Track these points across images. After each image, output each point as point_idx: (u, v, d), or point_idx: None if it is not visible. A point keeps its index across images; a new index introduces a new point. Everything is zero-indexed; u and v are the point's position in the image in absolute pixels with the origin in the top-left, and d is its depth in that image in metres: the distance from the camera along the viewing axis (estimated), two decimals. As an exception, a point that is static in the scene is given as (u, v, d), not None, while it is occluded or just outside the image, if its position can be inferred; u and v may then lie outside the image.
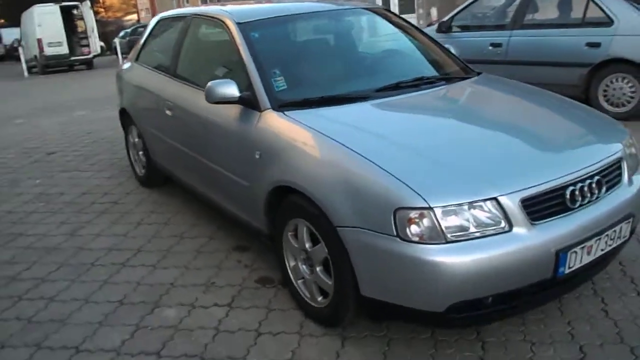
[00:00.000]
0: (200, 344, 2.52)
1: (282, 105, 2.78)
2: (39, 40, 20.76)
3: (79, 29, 22.95)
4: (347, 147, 2.33)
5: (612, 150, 2.46)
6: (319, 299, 2.56)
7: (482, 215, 2.08)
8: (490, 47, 6.58)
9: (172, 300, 2.92)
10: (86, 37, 22.22)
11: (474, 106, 3.01)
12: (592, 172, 2.29)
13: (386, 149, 2.34)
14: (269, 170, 2.66)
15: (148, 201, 4.42)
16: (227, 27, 3.24)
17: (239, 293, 2.95)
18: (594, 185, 2.29)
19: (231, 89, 2.86)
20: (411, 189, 2.08)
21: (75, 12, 22.61)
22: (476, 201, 2.08)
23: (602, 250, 2.30)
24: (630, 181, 2.49)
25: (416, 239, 2.05)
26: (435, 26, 7.23)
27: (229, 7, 3.50)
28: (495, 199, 2.09)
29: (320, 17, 3.54)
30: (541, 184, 2.16)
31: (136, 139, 4.64)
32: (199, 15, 3.69)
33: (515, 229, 2.09)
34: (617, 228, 2.32)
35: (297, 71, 3.09)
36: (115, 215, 4.18)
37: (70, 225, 4.05)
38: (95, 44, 22.62)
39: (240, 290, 2.97)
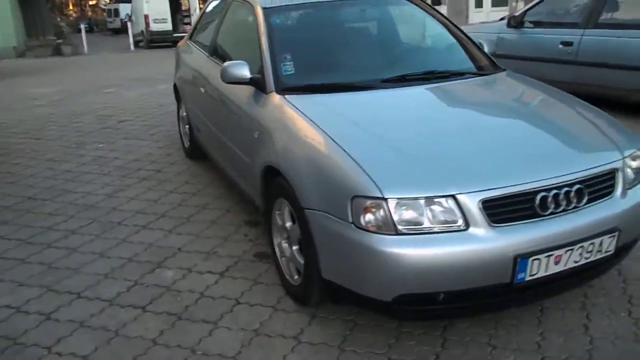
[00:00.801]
0: (182, 306, 2.72)
1: (285, 89, 2.89)
2: (146, 17, 22.20)
3: (183, 7, 24.36)
4: (323, 132, 2.41)
5: (603, 161, 2.34)
6: (295, 277, 2.66)
7: (439, 212, 2.08)
8: (561, 46, 6.24)
9: (174, 264, 3.14)
10: (189, 15, 23.52)
11: (470, 103, 2.93)
12: (571, 180, 2.20)
13: (359, 137, 2.38)
14: (263, 150, 2.78)
15: (187, 172, 4.71)
16: (255, 11, 3.39)
17: (234, 264, 3.11)
18: (572, 194, 2.20)
19: (243, 71, 3.00)
20: (370, 178, 2.12)
21: None
22: (433, 197, 2.08)
23: (575, 262, 2.21)
24: (624, 194, 2.35)
25: (369, 227, 2.09)
26: (505, 20, 6.96)
27: None
28: (453, 196, 2.08)
29: (346, 6, 3.58)
30: (505, 187, 2.12)
31: (184, 113, 4.94)
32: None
33: (471, 229, 2.07)
34: (596, 241, 2.22)
35: (308, 58, 3.17)
36: (153, 182, 4.50)
37: (113, 187, 4.42)
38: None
39: (237, 261, 3.14)
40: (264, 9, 3.33)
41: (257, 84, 3.01)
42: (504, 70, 3.33)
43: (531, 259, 2.10)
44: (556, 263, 2.17)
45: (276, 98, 2.86)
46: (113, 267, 3.12)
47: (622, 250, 2.41)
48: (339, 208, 2.17)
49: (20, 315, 2.68)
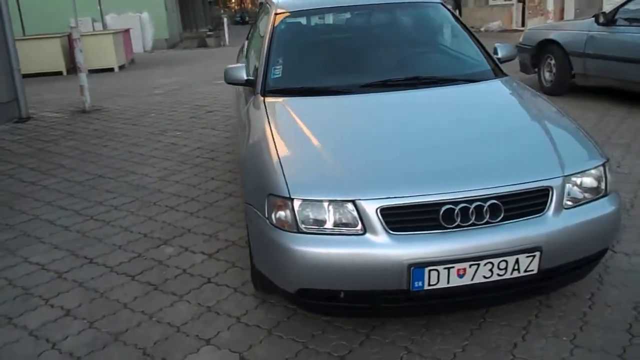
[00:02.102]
0: (163, 278, 3.12)
1: (268, 91, 3.13)
2: None
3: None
4: (271, 133, 2.63)
5: (532, 178, 2.27)
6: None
7: (340, 215, 2.21)
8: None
9: (178, 242, 3.56)
10: None
11: (428, 111, 2.90)
12: (484, 195, 2.19)
13: (297, 140, 2.56)
14: (241, 146, 3.07)
15: (234, 161, 5.14)
16: (270, 14, 3.66)
17: (225, 247, 3.45)
18: (485, 209, 2.18)
19: (240, 73, 3.31)
20: (284, 178, 2.31)
21: None
22: (335, 201, 2.21)
23: (486, 277, 2.19)
24: (558, 214, 2.26)
25: (278, 224, 2.28)
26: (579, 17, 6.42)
27: None
28: (353, 202, 2.19)
29: (356, 11, 3.69)
30: (405, 197, 2.17)
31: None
32: (268, 1, 4.15)
33: (368, 234, 2.17)
34: (510, 259, 2.18)
35: (297, 62, 3.37)
36: (202, 169, 4.99)
37: (167, 171, 5.00)
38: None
39: (228, 245, 3.47)
40: (276, 13, 3.59)
41: (251, 85, 3.29)
42: (504, 77, 3.23)
43: (427, 269, 2.14)
44: (460, 276, 2.17)
45: (259, 99, 3.12)
46: (129, 240, 3.62)
47: (552, 273, 2.32)
48: (261, 204, 2.38)
49: (42, 271, 3.27)
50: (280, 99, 3.04)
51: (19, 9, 16.46)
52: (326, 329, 2.57)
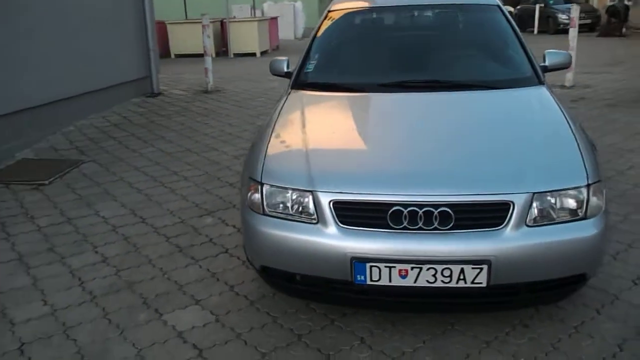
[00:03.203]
0: (190, 244, 3.52)
1: (297, 85, 3.35)
2: None
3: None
4: (275, 122, 2.86)
5: (492, 191, 2.23)
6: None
7: (299, 203, 2.38)
8: None
9: (219, 215, 3.95)
10: None
11: (433, 114, 2.88)
12: (435, 202, 2.21)
13: (291, 131, 2.77)
14: None
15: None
16: (324, 12, 3.85)
17: (255, 225, 3.76)
18: (434, 215, 2.21)
19: (282, 66, 3.57)
20: (263, 165, 2.54)
21: None
22: (297, 190, 2.39)
23: (429, 282, 2.22)
24: (516, 230, 2.20)
25: (250, 205, 2.52)
26: None
27: None
28: (312, 193, 2.35)
29: (405, 11, 3.72)
30: (356, 193, 2.28)
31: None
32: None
33: (320, 224, 2.32)
34: (455, 268, 2.18)
35: (330, 58, 3.51)
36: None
37: (244, 151, 5.42)
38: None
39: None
40: (328, 10, 3.77)
41: (289, 77, 3.53)
42: (537, 85, 3.09)
43: (369, 264, 2.23)
44: (402, 277, 2.23)
45: (288, 91, 3.35)
46: (181, 208, 4.10)
47: (509, 289, 2.26)
48: (245, 186, 2.64)
49: (103, 224, 3.86)
50: (304, 93, 3.24)
51: None
52: (301, 309, 2.76)
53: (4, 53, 5.27)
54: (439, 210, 2.21)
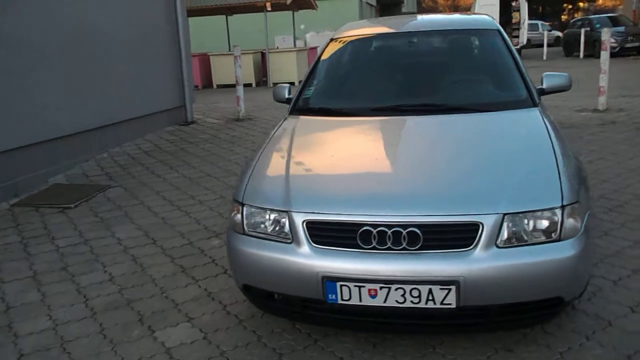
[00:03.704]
0: (193, 264, 3.64)
1: (295, 110, 3.47)
2: None
3: (514, 20, 24.53)
4: (264, 146, 2.97)
5: (461, 212, 2.24)
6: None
7: (276, 224, 2.46)
8: None
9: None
10: (518, 28, 23.66)
11: (420, 138, 2.93)
12: (404, 222, 2.24)
13: (278, 154, 2.88)
14: None
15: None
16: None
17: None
18: (403, 235, 2.23)
19: (284, 92, 3.70)
20: (246, 187, 2.64)
21: (513, 4, 24.40)
22: (274, 210, 2.47)
23: (399, 302, 2.24)
24: (486, 251, 2.19)
25: (232, 225, 2.62)
26: None
27: (359, 22, 4.15)
28: (288, 213, 2.42)
29: (406, 37, 3.79)
30: (328, 214, 2.34)
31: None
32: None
33: (294, 244, 2.38)
34: (423, 289, 2.19)
35: (328, 84, 3.61)
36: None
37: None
38: (524, 35, 23.86)
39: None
40: (331, 39, 3.90)
41: (289, 103, 3.65)
42: (530, 107, 3.08)
43: (339, 283, 2.27)
44: (372, 296, 2.26)
45: (288, 116, 3.47)
46: (191, 230, 4.25)
47: (480, 311, 2.25)
48: (233, 206, 2.74)
49: (116, 244, 4.04)
50: (299, 118, 3.34)
51: (228, 29, 19.02)
52: (287, 329, 2.81)
53: (39, 85, 5.66)
54: (407, 230, 2.23)
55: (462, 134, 2.90)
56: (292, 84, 15.78)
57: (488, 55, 3.59)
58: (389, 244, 2.25)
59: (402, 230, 2.24)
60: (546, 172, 2.45)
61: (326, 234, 2.34)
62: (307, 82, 3.61)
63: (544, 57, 22.22)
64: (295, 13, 19.22)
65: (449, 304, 2.21)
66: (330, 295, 2.30)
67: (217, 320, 2.94)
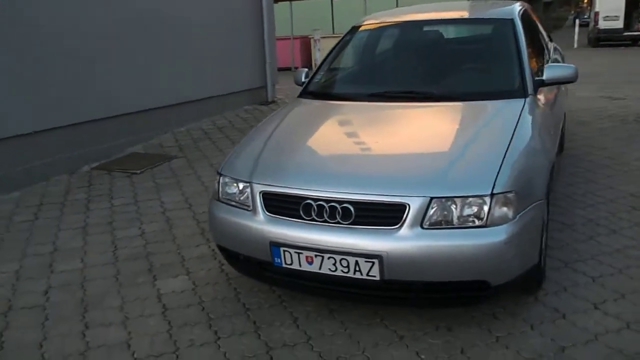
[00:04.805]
0: (200, 229, 4.06)
1: (303, 93, 3.75)
2: (596, 14, 21.62)
3: (643, 6, 22.37)
4: (260, 123, 3.30)
5: (390, 193, 2.42)
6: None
7: (242, 193, 2.79)
8: None
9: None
10: None
11: (399, 123, 3.11)
12: (339, 198, 2.46)
13: (266, 131, 3.20)
14: None
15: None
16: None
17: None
18: (338, 210, 2.45)
19: (301, 76, 3.98)
20: (227, 159, 3.00)
21: None
22: (241, 181, 2.80)
23: (331, 271, 2.47)
24: (411, 230, 2.36)
25: (213, 193, 2.99)
26: None
27: (387, 11, 4.31)
28: (250, 184, 2.74)
29: (419, 26, 3.87)
30: (278, 187, 2.62)
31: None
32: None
33: (253, 211, 2.70)
34: (350, 260, 2.41)
35: (336, 70, 3.80)
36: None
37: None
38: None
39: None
40: (352, 26, 4.10)
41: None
42: (521, 98, 3.08)
43: (282, 249, 2.56)
44: (309, 262, 2.52)
45: (296, 99, 3.76)
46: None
47: (406, 286, 2.42)
48: (219, 177, 3.11)
49: (159, 207, 4.61)
50: (301, 100, 3.62)
51: (332, 13, 19.54)
52: (263, 289, 3.13)
53: (127, 63, 6.42)
54: (342, 206, 2.46)
55: (431, 122, 3.01)
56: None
57: (494, 46, 3.58)
58: (325, 217, 2.48)
59: (337, 205, 2.46)
60: (489, 161, 2.52)
61: (277, 205, 2.63)
62: (320, 68, 3.86)
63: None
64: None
65: (374, 276, 2.41)
66: (276, 258, 2.60)
67: (210, 276, 3.35)
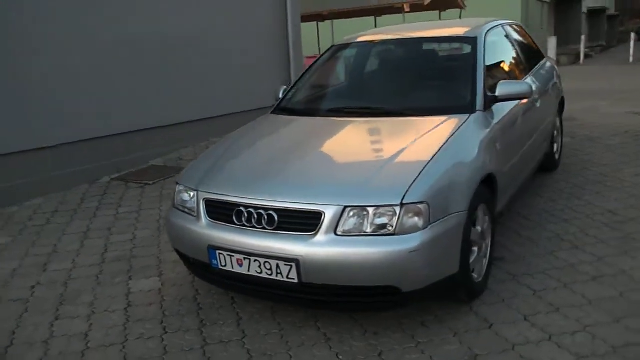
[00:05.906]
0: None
1: (275, 109, 3.99)
2: None
3: None
4: (227, 136, 3.57)
5: (308, 201, 2.61)
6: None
7: (191, 200, 3.04)
8: None
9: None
10: None
11: (345, 136, 3.30)
12: (264, 206, 2.67)
13: (227, 144, 3.45)
14: None
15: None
16: (334, 47, 4.41)
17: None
18: (264, 217, 2.66)
19: (279, 92, 4.22)
20: (185, 171, 3.28)
21: None
22: (190, 188, 3.05)
23: (258, 273, 2.68)
24: (325, 237, 2.53)
25: (172, 200, 3.26)
26: None
27: (372, 30, 4.51)
28: (196, 192, 2.99)
29: (381, 45, 4.07)
30: (217, 194, 2.87)
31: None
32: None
33: (197, 217, 2.95)
34: (272, 263, 2.61)
35: (308, 87, 4.01)
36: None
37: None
38: None
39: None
40: (331, 46, 4.31)
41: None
42: (466, 114, 3.18)
43: (217, 251, 2.79)
44: (240, 265, 2.73)
45: (268, 115, 4.01)
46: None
47: (320, 290, 2.58)
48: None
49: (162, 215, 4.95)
50: (270, 116, 3.86)
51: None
52: (220, 291, 3.36)
53: (142, 84, 6.90)
54: (267, 212, 2.66)
55: (372, 136, 3.17)
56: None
57: (453, 63, 3.69)
58: (253, 223, 2.69)
59: (263, 212, 2.67)
60: (407, 172, 2.65)
61: (216, 211, 2.87)
62: (294, 85, 4.09)
63: None
64: (443, 13, 19.11)
65: (293, 279, 2.59)
66: (213, 261, 2.83)
67: (178, 278, 3.62)
